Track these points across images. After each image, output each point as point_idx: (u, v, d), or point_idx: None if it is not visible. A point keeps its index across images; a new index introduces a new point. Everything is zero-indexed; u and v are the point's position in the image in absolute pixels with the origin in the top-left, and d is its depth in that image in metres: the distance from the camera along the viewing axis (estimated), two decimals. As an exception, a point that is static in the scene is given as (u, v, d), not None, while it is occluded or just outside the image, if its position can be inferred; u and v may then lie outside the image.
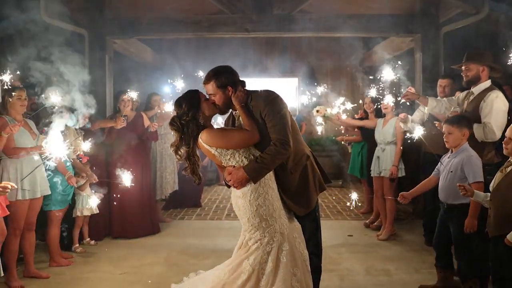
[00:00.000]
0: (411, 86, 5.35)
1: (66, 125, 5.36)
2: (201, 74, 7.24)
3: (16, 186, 3.64)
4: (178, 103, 3.46)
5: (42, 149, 4.55)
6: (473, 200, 3.85)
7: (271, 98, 3.44)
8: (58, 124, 4.84)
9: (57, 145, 3.80)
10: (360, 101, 7.88)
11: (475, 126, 4.49)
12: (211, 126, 3.54)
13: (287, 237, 3.37)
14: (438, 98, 5.24)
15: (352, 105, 7.77)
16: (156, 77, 10.50)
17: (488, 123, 4.46)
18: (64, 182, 5.29)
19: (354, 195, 4.90)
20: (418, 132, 4.42)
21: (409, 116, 5.68)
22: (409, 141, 4.61)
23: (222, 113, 3.62)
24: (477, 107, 4.60)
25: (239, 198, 3.44)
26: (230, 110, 3.63)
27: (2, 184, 3.34)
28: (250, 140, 3.37)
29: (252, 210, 3.38)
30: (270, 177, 3.42)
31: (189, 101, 3.44)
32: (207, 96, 3.52)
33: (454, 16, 7.47)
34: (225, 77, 3.46)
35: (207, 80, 3.48)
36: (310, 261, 3.51)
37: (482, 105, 4.57)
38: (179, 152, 3.47)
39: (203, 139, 3.39)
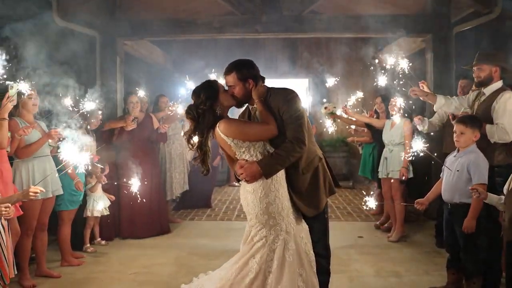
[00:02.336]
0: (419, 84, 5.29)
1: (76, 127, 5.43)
2: (213, 76, 7.26)
3: (44, 190, 3.68)
4: (197, 92, 3.44)
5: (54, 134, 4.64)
6: (487, 202, 3.82)
7: (290, 97, 3.46)
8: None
9: (73, 150, 3.83)
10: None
11: (487, 127, 4.44)
12: (228, 117, 3.52)
13: (293, 237, 3.37)
14: (448, 96, 5.20)
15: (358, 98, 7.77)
16: (166, 78, 10.57)
17: (501, 124, 4.41)
18: None
19: (372, 203, 4.88)
20: (419, 146, 4.36)
21: (425, 118, 5.65)
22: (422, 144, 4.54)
23: (239, 105, 3.62)
24: (489, 108, 4.55)
25: (249, 194, 3.44)
26: (246, 104, 3.65)
27: (32, 190, 3.39)
28: (268, 132, 3.37)
29: (261, 207, 3.38)
30: (282, 176, 3.41)
31: (208, 91, 3.42)
32: (226, 88, 3.54)
33: (466, 16, 7.42)
34: (246, 70, 3.49)
35: (229, 71, 3.49)
36: (319, 264, 3.50)
37: (495, 106, 4.51)
38: (191, 141, 3.47)
39: (221, 128, 3.37)
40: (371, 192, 5.28)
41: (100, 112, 6.01)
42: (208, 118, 3.40)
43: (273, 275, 3.28)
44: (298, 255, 3.35)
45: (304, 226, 3.50)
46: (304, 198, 3.49)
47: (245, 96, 3.52)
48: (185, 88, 7.59)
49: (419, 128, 5.57)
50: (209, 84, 3.48)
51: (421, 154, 4.33)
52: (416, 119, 5.52)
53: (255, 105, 3.53)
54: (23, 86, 4.35)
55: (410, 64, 5.41)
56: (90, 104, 5.11)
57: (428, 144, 4.36)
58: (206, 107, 3.38)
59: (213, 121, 3.41)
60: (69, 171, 4.84)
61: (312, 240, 3.53)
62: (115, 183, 6.15)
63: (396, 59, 5.39)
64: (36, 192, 3.38)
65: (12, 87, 4.19)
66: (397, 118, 6.16)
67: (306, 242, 3.43)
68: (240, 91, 3.49)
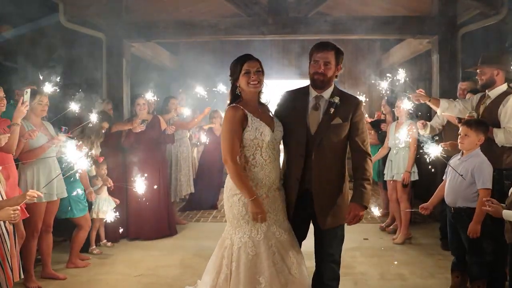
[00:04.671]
0: (421, 89, 5.30)
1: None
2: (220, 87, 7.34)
3: (41, 195, 3.71)
4: (232, 62, 3.41)
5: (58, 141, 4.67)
6: (504, 216, 3.73)
7: (361, 104, 3.45)
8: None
9: (75, 151, 3.87)
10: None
11: (495, 130, 4.41)
12: (255, 110, 3.38)
13: (258, 243, 3.30)
14: (451, 99, 5.18)
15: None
16: (173, 80, 10.59)
17: (509, 128, 4.37)
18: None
19: (376, 211, 4.92)
20: (434, 151, 4.36)
21: (428, 122, 5.64)
22: (423, 150, 4.54)
23: (321, 84, 3.36)
24: (495, 112, 4.51)
25: (224, 190, 3.49)
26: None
27: (30, 193, 3.40)
28: (224, 154, 3.28)
29: (227, 206, 3.45)
30: (255, 186, 3.33)
31: (233, 66, 3.37)
32: (318, 63, 3.35)
33: (473, 17, 7.38)
34: (342, 55, 3.41)
35: (331, 48, 3.35)
36: (333, 271, 3.47)
37: (501, 109, 4.47)
38: None
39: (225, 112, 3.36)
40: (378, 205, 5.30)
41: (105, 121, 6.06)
42: (231, 91, 3.39)
43: (233, 276, 3.27)
44: (260, 262, 3.26)
45: (282, 237, 3.36)
46: (331, 208, 3.41)
47: (331, 78, 3.39)
48: (191, 91, 7.63)
49: (421, 132, 5.57)
50: (239, 59, 3.37)
51: (431, 157, 4.34)
52: (419, 124, 5.52)
53: (322, 95, 3.41)
54: (46, 88, 4.41)
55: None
56: (96, 116, 5.17)
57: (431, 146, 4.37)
58: (231, 80, 3.38)
59: (232, 99, 3.38)
60: (79, 171, 4.84)
61: (332, 246, 3.49)
62: (122, 185, 6.17)
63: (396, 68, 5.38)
64: (34, 196, 3.39)
65: (27, 92, 4.24)
66: (402, 121, 6.17)
67: (274, 251, 3.30)
68: (332, 71, 3.36)
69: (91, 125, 5.42)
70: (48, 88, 4.52)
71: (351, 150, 3.47)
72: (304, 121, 3.39)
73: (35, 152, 4.67)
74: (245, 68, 3.31)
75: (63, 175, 4.71)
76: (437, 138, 5.59)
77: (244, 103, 3.37)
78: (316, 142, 3.33)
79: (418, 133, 5.99)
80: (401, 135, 6.13)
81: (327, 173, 3.38)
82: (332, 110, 3.35)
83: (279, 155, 3.46)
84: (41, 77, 4.50)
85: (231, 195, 3.38)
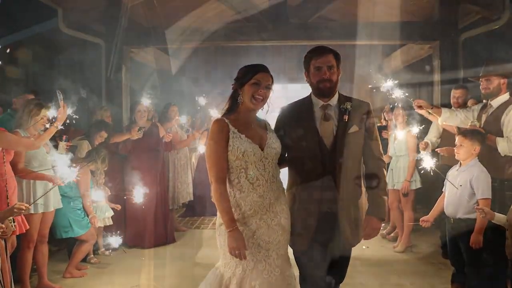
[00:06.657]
0: (420, 99, 5.24)
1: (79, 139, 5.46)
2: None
3: (30, 207, 3.65)
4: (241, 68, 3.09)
5: (53, 172, 4.60)
6: (494, 222, 3.73)
7: (372, 109, 3.21)
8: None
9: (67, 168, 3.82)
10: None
11: (498, 140, 4.37)
12: (246, 124, 3.04)
13: (240, 281, 2.94)
14: (453, 109, 5.12)
15: None
16: (174, 85, 10.54)
17: None
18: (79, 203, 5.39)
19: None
20: (429, 163, 4.31)
21: (429, 142, 5.58)
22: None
23: (329, 91, 3.09)
24: (498, 121, 4.46)
25: (217, 217, 3.14)
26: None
27: (17, 206, 3.36)
28: (209, 174, 2.98)
29: (217, 234, 3.08)
30: (242, 214, 2.96)
31: (242, 72, 3.04)
32: (322, 68, 3.08)
33: (474, 22, 7.33)
34: (340, 58, 3.15)
35: (330, 51, 3.10)
36: None
37: (505, 119, 4.42)
38: None
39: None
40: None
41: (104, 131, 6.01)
42: (231, 97, 3.07)
43: None
44: None
45: (268, 276, 2.94)
46: (353, 225, 3.14)
47: (336, 83, 3.11)
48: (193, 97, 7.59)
49: (423, 152, 5.48)
50: (253, 67, 3.04)
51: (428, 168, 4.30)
52: (421, 145, 5.47)
53: (329, 103, 3.12)
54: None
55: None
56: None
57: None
58: (233, 86, 3.06)
59: (229, 106, 3.06)
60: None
61: (345, 268, 3.36)
62: (120, 194, 6.12)
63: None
64: (22, 208, 3.32)
65: (59, 93, 4.28)
66: (400, 129, 6.12)
67: None
68: (336, 76, 3.08)
69: (99, 151, 5.40)
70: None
71: (365, 157, 3.19)
72: (315, 134, 3.07)
73: (31, 175, 4.62)
74: (256, 78, 2.98)
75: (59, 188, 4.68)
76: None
77: (236, 115, 3.05)
78: (337, 155, 3.04)
79: (417, 139, 5.95)
80: (401, 144, 6.09)
81: (351, 187, 3.10)
82: (346, 117, 3.06)
83: (274, 176, 3.05)
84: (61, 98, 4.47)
85: (219, 223, 3.01)
